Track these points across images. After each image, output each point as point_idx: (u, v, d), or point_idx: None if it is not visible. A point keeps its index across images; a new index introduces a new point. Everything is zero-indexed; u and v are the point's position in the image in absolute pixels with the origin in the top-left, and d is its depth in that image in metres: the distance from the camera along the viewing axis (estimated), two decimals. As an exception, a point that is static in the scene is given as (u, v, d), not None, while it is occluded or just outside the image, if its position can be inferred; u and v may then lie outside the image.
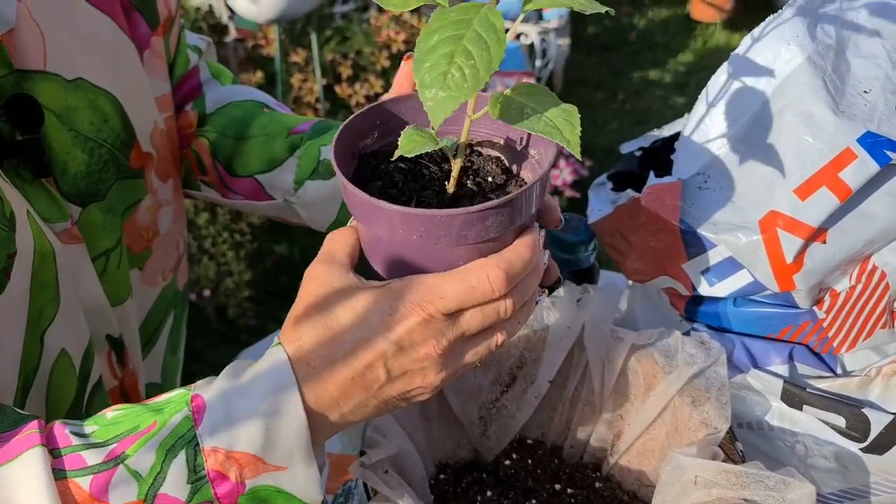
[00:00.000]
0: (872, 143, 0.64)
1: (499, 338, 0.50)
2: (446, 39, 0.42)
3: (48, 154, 0.60)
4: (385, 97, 0.60)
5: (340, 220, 0.73)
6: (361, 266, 0.53)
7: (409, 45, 2.80)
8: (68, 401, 0.63)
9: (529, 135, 0.54)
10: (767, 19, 0.70)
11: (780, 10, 0.70)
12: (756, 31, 0.70)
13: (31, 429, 0.46)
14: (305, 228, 0.79)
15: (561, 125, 0.45)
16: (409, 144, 0.45)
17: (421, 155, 0.51)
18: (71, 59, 0.61)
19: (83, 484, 0.45)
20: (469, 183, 0.52)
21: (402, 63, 0.62)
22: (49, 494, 0.44)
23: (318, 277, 0.50)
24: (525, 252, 0.48)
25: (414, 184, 0.52)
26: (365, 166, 0.53)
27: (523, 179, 0.54)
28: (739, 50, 0.70)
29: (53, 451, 0.46)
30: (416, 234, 0.46)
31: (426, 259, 0.49)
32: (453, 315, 0.47)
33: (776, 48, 0.68)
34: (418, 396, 0.50)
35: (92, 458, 0.45)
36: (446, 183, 0.51)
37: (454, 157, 0.50)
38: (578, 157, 0.46)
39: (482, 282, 0.46)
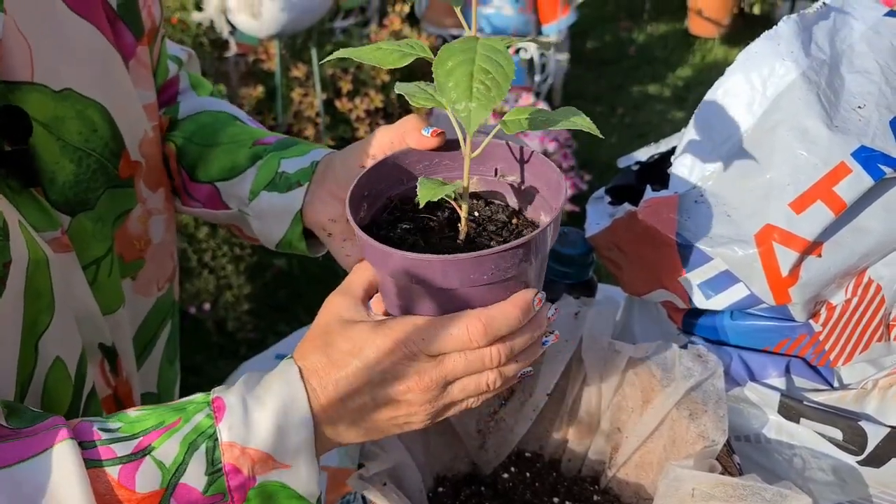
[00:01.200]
0: (867, 157, 0.65)
1: (489, 376, 0.53)
2: (460, 63, 0.47)
3: (36, 164, 0.60)
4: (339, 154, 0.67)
5: (288, 240, 0.72)
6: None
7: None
8: (63, 409, 0.63)
9: (523, 172, 0.59)
10: (762, 35, 0.71)
11: (775, 26, 0.71)
12: (751, 46, 0.71)
13: (56, 424, 0.50)
14: (261, 246, 0.78)
15: (573, 118, 0.52)
16: (428, 193, 0.50)
17: (419, 210, 0.57)
18: (58, 69, 0.61)
19: (112, 472, 0.49)
20: (475, 225, 0.57)
21: (376, 132, 0.65)
22: (82, 482, 0.48)
23: (331, 306, 0.55)
24: (511, 311, 0.52)
25: (434, 238, 0.56)
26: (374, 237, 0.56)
27: (524, 216, 0.58)
28: (735, 65, 0.71)
29: (83, 444, 0.50)
30: (458, 278, 0.50)
31: (451, 302, 0.52)
32: (438, 357, 0.52)
33: (771, 63, 0.69)
34: (410, 425, 0.55)
35: (121, 449, 0.50)
36: (459, 226, 0.56)
37: (457, 201, 0.55)
38: (599, 134, 0.50)
39: (461, 330, 0.51)
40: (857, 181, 0.64)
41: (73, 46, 0.63)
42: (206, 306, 2.32)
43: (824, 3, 0.74)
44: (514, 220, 0.57)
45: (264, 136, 0.76)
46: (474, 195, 0.60)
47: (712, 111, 0.72)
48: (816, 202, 0.65)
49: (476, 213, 0.58)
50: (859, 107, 0.68)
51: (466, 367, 0.52)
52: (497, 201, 0.60)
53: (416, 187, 0.51)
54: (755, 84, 0.69)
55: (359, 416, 0.53)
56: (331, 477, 0.93)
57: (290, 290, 2.61)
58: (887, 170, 0.65)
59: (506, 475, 0.79)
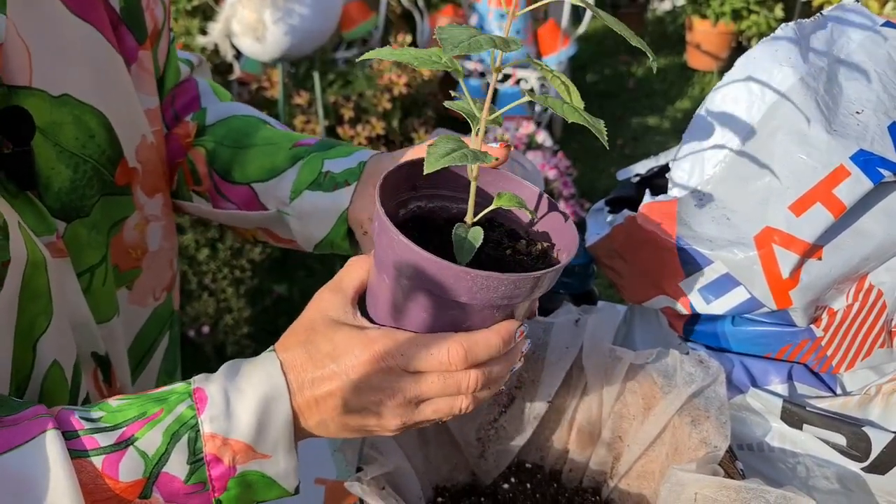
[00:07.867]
0: (865, 160, 0.65)
1: (463, 401, 0.54)
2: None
3: (35, 167, 0.60)
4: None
5: (329, 240, 0.72)
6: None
7: (410, 87, 2.83)
8: None
9: (538, 219, 0.60)
10: (761, 41, 0.72)
11: (773, 33, 0.72)
12: (750, 52, 0.71)
13: (38, 413, 0.50)
14: (295, 249, 0.78)
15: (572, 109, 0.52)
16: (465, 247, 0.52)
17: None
18: (57, 74, 0.61)
19: (96, 462, 0.50)
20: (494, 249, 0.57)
21: (434, 136, 0.64)
22: (68, 472, 0.48)
23: (320, 302, 0.55)
24: (493, 339, 0.53)
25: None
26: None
27: (537, 250, 0.58)
28: (733, 70, 0.71)
29: (66, 434, 0.50)
30: (466, 292, 0.50)
31: (444, 317, 0.52)
32: (416, 374, 0.53)
33: (769, 69, 0.70)
34: (379, 433, 0.56)
35: (104, 440, 0.50)
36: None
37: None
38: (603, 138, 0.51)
39: (441, 352, 0.52)
40: (856, 184, 0.65)
41: (73, 50, 0.62)
42: (206, 329, 2.31)
43: (821, 14, 0.75)
44: (525, 254, 0.58)
45: (302, 138, 0.77)
46: (499, 224, 0.61)
47: (712, 116, 0.72)
48: (816, 204, 0.65)
49: (496, 240, 0.58)
50: (857, 112, 0.68)
51: (442, 389, 0.53)
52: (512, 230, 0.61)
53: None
54: (754, 89, 0.70)
55: (329, 417, 0.54)
56: (328, 490, 0.92)
57: (290, 316, 2.59)
58: (886, 173, 0.65)
59: (506, 486, 0.77)
